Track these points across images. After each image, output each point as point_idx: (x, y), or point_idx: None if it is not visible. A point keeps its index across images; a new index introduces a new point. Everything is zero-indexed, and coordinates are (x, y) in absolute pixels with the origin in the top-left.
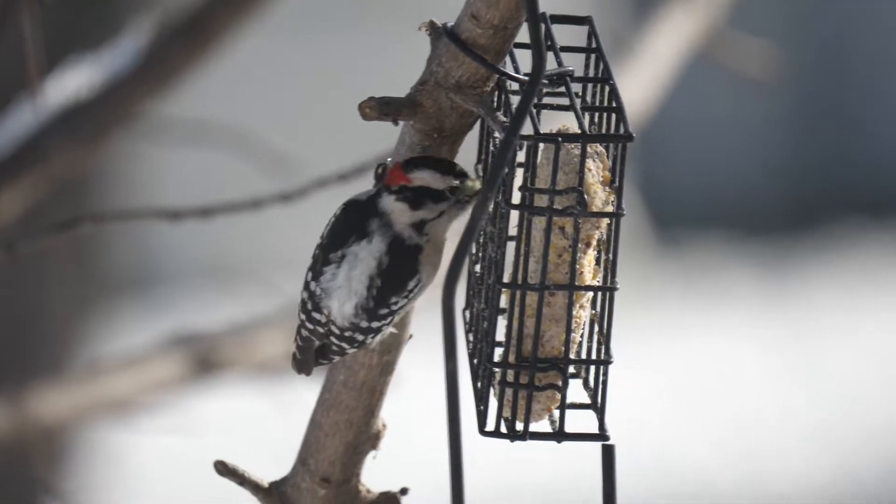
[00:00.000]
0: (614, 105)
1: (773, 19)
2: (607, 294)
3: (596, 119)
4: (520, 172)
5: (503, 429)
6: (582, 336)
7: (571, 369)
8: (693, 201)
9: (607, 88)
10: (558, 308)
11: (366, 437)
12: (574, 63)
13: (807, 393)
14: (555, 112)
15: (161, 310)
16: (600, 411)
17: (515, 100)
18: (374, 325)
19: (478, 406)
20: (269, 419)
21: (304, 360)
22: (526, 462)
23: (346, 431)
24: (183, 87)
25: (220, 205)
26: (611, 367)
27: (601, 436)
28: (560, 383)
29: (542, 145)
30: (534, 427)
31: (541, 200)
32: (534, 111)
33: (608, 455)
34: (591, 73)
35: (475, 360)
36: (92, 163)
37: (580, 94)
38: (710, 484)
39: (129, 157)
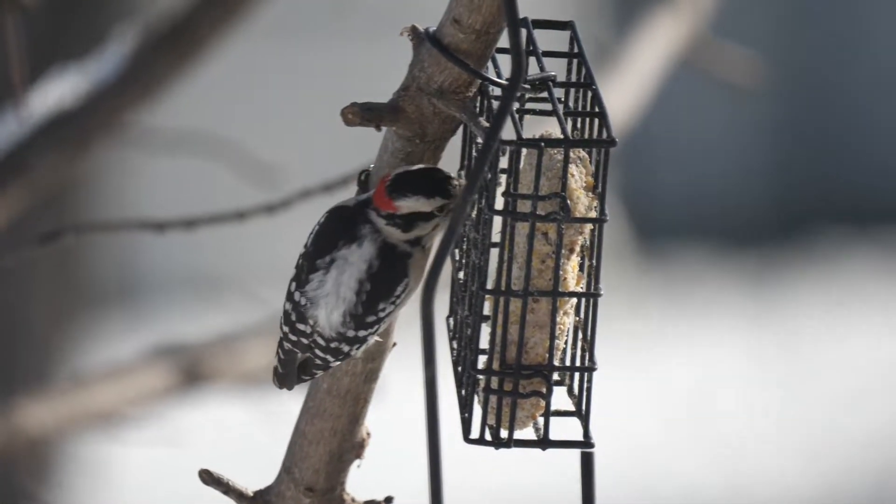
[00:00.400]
0: (597, 110)
1: (760, 30)
2: (591, 300)
3: (579, 124)
4: (503, 178)
5: (488, 436)
6: (566, 343)
7: (556, 376)
8: (677, 212)
9: (590, 93)
10: (542, 314)
11: (350, 446)
12: (557, 68)
13: (792, 403)
14: (538, 117)
15: (146, 320)
16: (585, 419)
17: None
18: (361, 333)
19: (462, 413)
20: (255, 429)
21: (286, 374)
22: (510, 467)
23: (330, 440)
24: (167, 96)
25: (205, 216)
26: (595, 375)
27: (585, 443)
28: (544, 390)
29: (524, 150)
30: (518, 434)
31: (524, 206)
32: (516, 116)
33: (587, 462)
34: (574, 78)
35: (459, 368)
36: (76, 172)
37: (563, 99)
38: (695, 493)
39: (113, 167)
